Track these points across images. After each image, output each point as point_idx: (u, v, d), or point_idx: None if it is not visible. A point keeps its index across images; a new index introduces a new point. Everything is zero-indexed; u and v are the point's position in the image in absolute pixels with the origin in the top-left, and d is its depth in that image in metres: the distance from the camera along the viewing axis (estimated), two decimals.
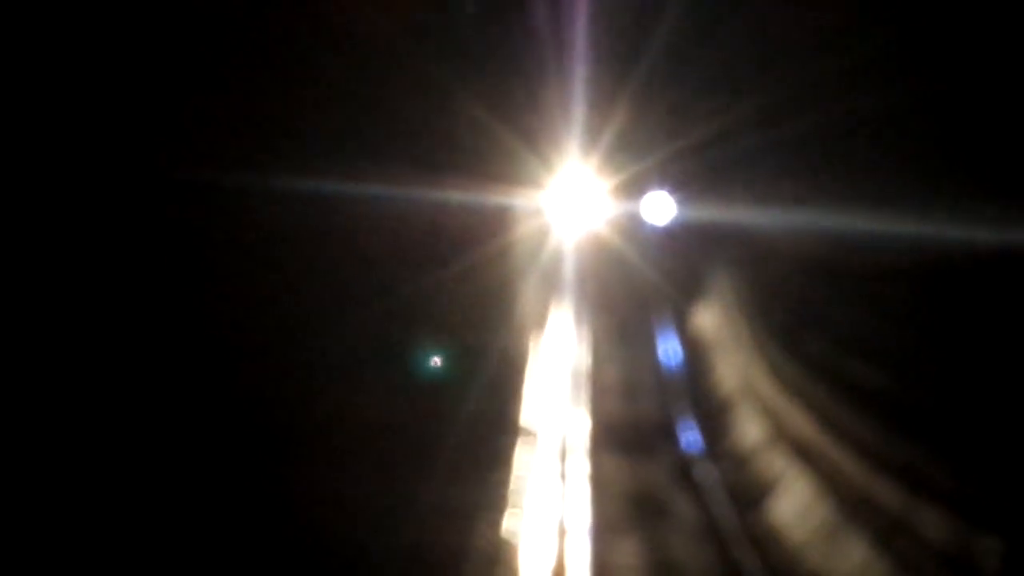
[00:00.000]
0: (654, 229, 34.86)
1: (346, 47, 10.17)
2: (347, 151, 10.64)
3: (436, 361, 18.41)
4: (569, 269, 33.56)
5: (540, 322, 31.14)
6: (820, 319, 23.52)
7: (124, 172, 6.56)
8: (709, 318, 33.38)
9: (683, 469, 26.13)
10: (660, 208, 34.28)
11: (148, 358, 7.23)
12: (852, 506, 17.83)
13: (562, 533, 20.04)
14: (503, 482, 22.41)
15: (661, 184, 34.21)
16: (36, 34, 6.33)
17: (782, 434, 23.51)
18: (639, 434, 28.38)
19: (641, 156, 31.86)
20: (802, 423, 22.25)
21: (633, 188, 33.26)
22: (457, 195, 17.47)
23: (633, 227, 34.50)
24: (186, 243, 7.94)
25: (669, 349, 32.02)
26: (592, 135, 31.60)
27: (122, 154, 6.29)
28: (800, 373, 23.55)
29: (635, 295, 34.46)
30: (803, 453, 21.46)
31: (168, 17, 6.58)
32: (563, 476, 23.57)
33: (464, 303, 19.60)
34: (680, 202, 34.13)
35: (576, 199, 32.66)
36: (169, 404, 7.78)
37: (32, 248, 5.92)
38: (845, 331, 21.48)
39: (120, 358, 6.98)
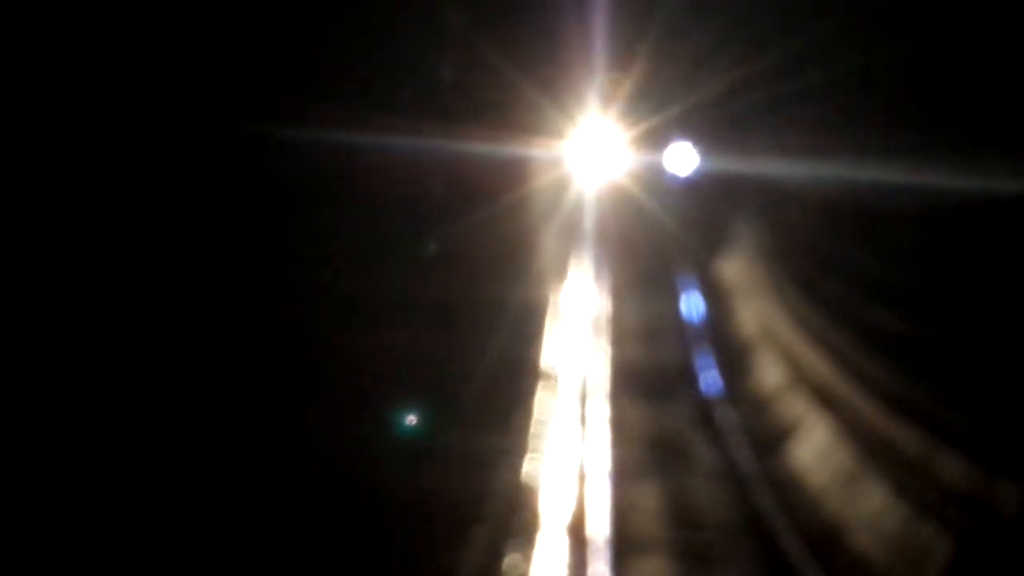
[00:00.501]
0: (676, 179, 34.70)
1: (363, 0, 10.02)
2: (365, 101, 10.49)
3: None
4: (590, 219, 33.46)
5: (562, 271, 31.07)
6: (840, 264, 23.33)
7: (142, 122, 6.42)
8: (730, 266, 33.24)
9: (703, 413, 26.08)
10: (682, 159, 34.11)
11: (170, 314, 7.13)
12: (871, 451, 17.73)
13: (582, 477, 20.00)
14: (524, 426, 22.39)
15: (682, 135, 34.03)
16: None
17: (802, 379, 23.40)
18: (659, 378, 28.33)
19: (662, 107, 31.64)
20: (822, 367, 22.13)
21: (654, 139, 33.06)
22: (478, 145, 17.35)
23: (654, 177, 34.34)
24: (204, 194, 7.81)
25: (690, 297, 31.93)
26: (613, 86, 31.40)
27: (140, 105, 6.16)
28: (820, 317, 23.42)
29: (656, 245, 34.33)
30: (823, 398, 21.35)
31: None
32: (583, 420, 23.53)
33: (486, 252, 19.49)
34: (702, 153, 33.97)
35: (597, 149, 32.47)
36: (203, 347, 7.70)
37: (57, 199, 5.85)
38: (864, 276, 21.29)
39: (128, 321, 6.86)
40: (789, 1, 20.71)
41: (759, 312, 30.02)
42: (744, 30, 25.34)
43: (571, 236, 32.86)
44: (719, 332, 30.52)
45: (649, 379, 28.08)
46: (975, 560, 13.37)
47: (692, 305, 31.22)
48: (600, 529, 17.64)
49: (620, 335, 30.03)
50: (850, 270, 22.62)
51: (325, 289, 10.56)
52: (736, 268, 32.76)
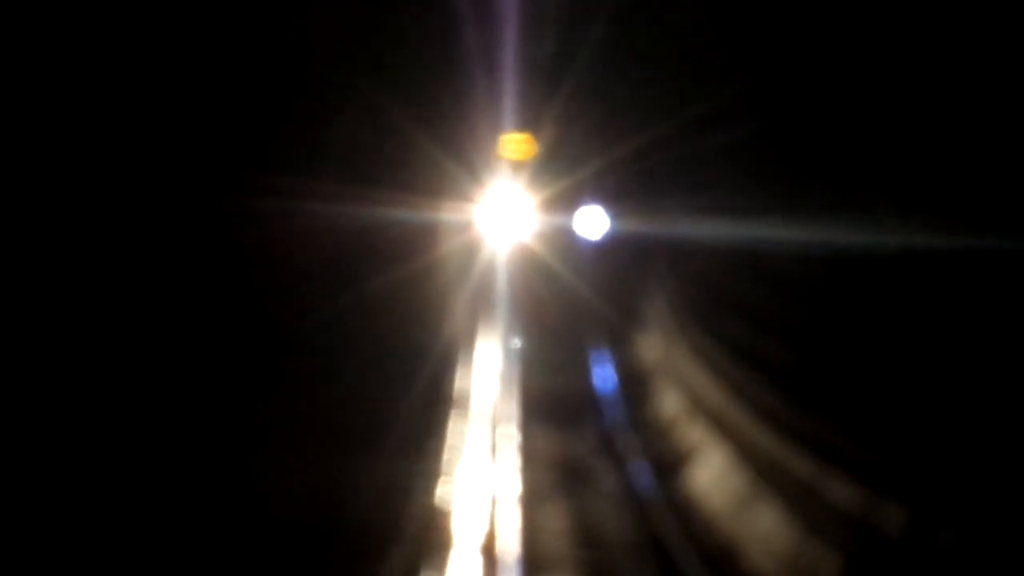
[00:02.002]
0: (585, 241, 34.88)
1: (276, 62, 9.99)
2: (274, 165, 10.45)
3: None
4: (501, 282, 33.59)
5: (473, 327, 31.24)
6: (738, 304, 23.79)
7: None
8: (636, 315, 33.67)
9: (606, 440, 26.33)
10: (592, 221, 34.27)
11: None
12: (765, 474, 18.06)
13: (492, 500, 20.14)
14: (438, 453, 22.49)
15: (591, 197, 34.20)
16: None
17: (700, 407, 23.74)
18: (568, 406, 28.61)
19: (570, 170, 31.75)
20: (719, 397, 22.49)
21: (563, 202, 33.12)
22: (387, 210, 17.36)
23: (563, 240, 34.49)
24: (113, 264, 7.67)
25: (598, 353, 32.27)
26: (520, 149, 31.51)
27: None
28: (718, 351, 23.80)
29: (564, 302, 34.63)
30: (720, 425, 21.70)
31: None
32: (493, 447, 23.67)
33: (399, 312, 19.49)
34: (611, 215, 34.13)
35: (506, 212, 32.47)
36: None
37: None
38: (759, 313, 21.73)
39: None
40: (691, 69, 21.01)
41: (662, 347, 30.41)
42: (648, 96, 25.63)
43: (482, 295, 33.12)
44: (625, 369, 30.94)
45: (558, 404, 28.42)
46: None
47: (601, 366, 31.61)
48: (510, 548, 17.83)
49: (530, 369, 30.45)
50: (746, 307, 23.09)
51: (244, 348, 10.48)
52: (644, 316, 33.31)
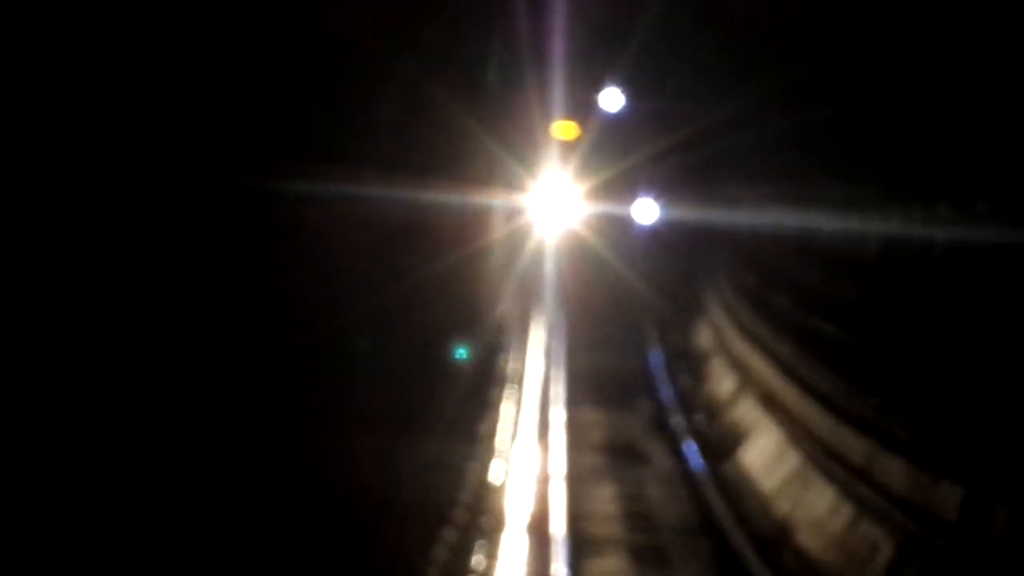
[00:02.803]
0: (637, 228, 34.59)
1: (329, 53, 9.84)
2: (321, 151, 10.32)
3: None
4: (551, 266, 33.53)
5: (524, 312, 31.19)
6: (788, 283, 23.41)
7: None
8: (687, 295, 33.42)
9: (660, 420, 26.06)
10: (644, 208, 34.06)
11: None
12: (818, 455, 17.79)
13: (545, 479, 20.00)
14: (489, 435, 22.39)
15: (643, 185, 33.92)
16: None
17: (754, 388, 23.46)
18: (620, 389, 28.44)
19: (622, 158, 31.44)
20: (772, 377, 22.20)
21: (614, 189, 32.91)
22: (438, 196, 17.27)
23: (614, 226, 34.28)
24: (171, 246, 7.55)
25: (650, 328, 32.14)
26: (571, 131, 31.24)
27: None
28: (769, 330, 23.51)
29: (615, 289, 34.49)
30: (773, 406, 21.42)
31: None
32: (546, 426, 23.52)
33: (455, 296, 19.38)
34: (664, 203, 33.87)
35: (557, 200, 32.34)
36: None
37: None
38: (810, 292, 21.38)
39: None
40: (742, 60, 20.57)
41: (715, 326, 30.17)
42: (698, 88, 25.24)
43: (532, 284, 33.15)
44: (678, 347, 30.73)
45: (609, 390, 28.26)
46: (918, 561, 13.40)
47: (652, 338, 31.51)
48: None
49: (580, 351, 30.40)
50: (796, 286, 22.72)
51: (299, 333, 10.36)
52: (694, 296, 33.19)
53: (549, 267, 33.19)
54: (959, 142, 13.07)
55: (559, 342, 30.77)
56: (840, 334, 18.22)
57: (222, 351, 7.78)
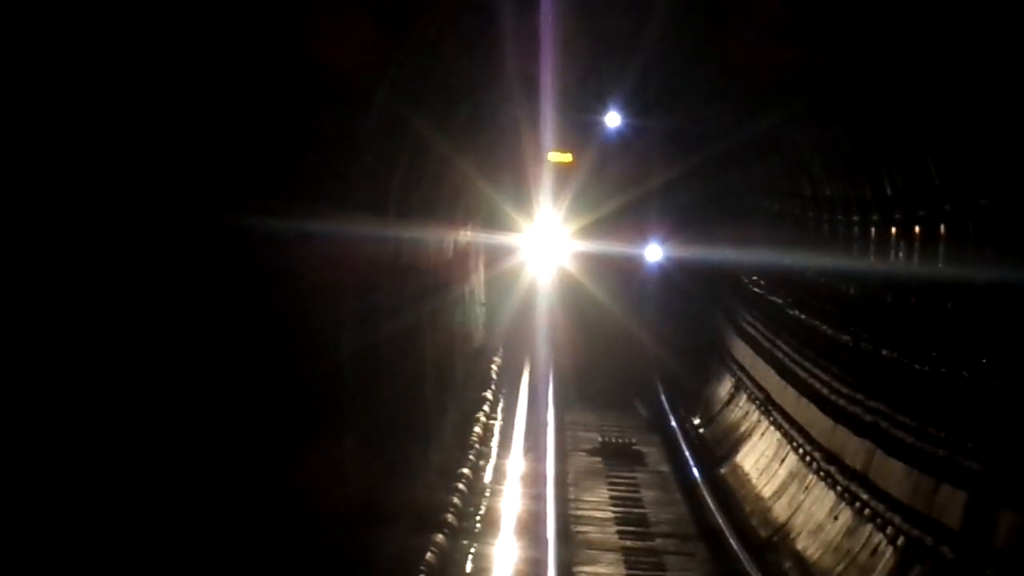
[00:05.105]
0: (645, 268, 32.49)
1: (314, 91, 9.30)
2: (308, 189, 9.80)
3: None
4: (543, 306, 30.66)
5: (515, 357, 29.34)
6: (786, 283, 22.69)
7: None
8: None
9: (657, 422, 25.34)
10: (640, 247, 32.11)
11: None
12: (818, 459, 17.09)
13: (540, 480, 19.30)
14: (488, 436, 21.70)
15: (648, 222, 32.03)
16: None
17: (753, 389, 22.79)
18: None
19: (615, 195, 29.86)
20: (771, 379, 21.51)
21: (615, 226, 30.87)
22: (424, 234, 16.58)
23: (609, 265, 31.63)
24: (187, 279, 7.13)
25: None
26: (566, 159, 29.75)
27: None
28: (770, 332, 22.82)
29: (611, 335, 30.99)
30: (772, 407, 20.73)
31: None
32: (543, 427, 22.84)
33: (435, 341, 18.37)
34: (662, 244, 31.98)
35: (550, 238, 30.62)
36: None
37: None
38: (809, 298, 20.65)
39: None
40: (738, 98, 19.73)
41: (714, 329, 29.56)
42: (694, 126, 24.37)
43: (523, 326, 30.43)
44: (675, 349, 29.76)
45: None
46: (919, 567, 12.73)
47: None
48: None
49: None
50: (793, 288, 22.03)
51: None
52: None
53: (542, 318, 30.07)
54: (950, 166, 12.50)
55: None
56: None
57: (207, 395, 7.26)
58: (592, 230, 30.30)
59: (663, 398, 26.99)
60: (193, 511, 6.85)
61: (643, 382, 28.50)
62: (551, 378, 27.02)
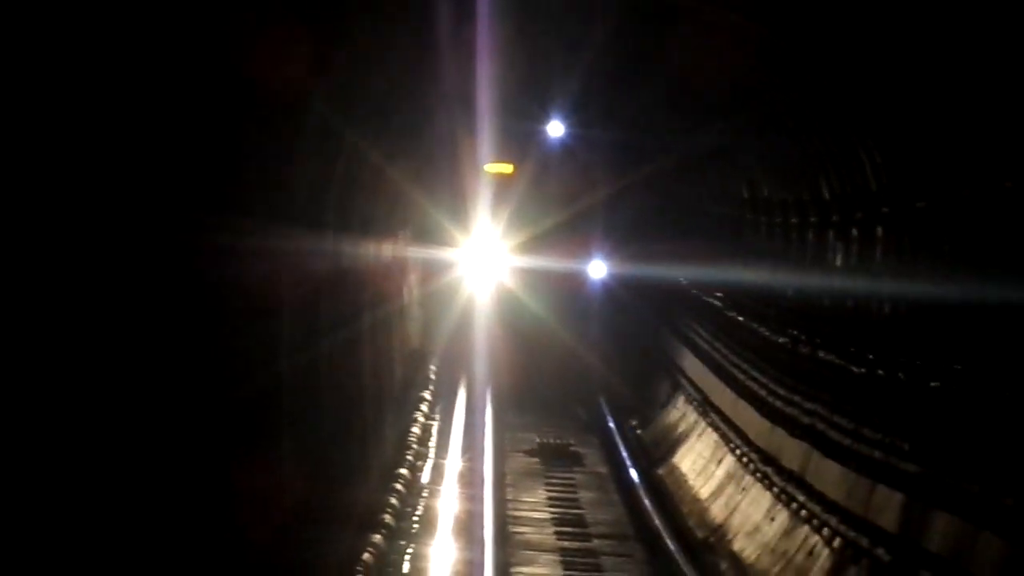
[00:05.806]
0: (589, 284, 31.61)
1: (242, 99, 9.06)
2: (241, 204, 9.55)
3: None
4: (482, 322, 29.64)
5: (452, 371, 28.62)
6: (726, 288, 22.64)
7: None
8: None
9: (595, 423, 25.24)
10: (589, 265, 31.19)
11: None
12: (755, 460, 17.03)
13: (479, 482, 19.12)
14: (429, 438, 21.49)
15: (592, 236, 31.18)
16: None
17: (692, 391, 22.73)
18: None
19: (555, 209, 29.16)
20: (710, 381, 21.46)
21: (558, 240, 30.05)
22: (362, 250, 16.20)
23: (549, 280, 30.71)
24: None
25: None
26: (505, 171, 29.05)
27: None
28: (711, 335, 22.77)
29: (550, 351, 30.10)
30: (711, 409, 20.67)
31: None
32: (482, 429, 22.66)
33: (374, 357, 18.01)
34: (606, 259, 31.20)
35: (488, 252, 29.80)
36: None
37: None
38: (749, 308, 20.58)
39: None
40: (685, 110, 19.41)
41: (655, 336, 29.48)
42: (642, 134, 24.01)
43: (462, 341, 29.48)
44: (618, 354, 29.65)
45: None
46: (855, 568, 12.68)
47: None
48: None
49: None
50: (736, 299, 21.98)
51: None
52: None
53: (480, 335, 29.02)
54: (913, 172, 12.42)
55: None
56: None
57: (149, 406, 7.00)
58: (533, 245, 29.47)
59: (602, 402, 26.76)
60: (127, 521, 6.61)
61: (585, 393, 27.83)
62: (488, 400, 25.95)
